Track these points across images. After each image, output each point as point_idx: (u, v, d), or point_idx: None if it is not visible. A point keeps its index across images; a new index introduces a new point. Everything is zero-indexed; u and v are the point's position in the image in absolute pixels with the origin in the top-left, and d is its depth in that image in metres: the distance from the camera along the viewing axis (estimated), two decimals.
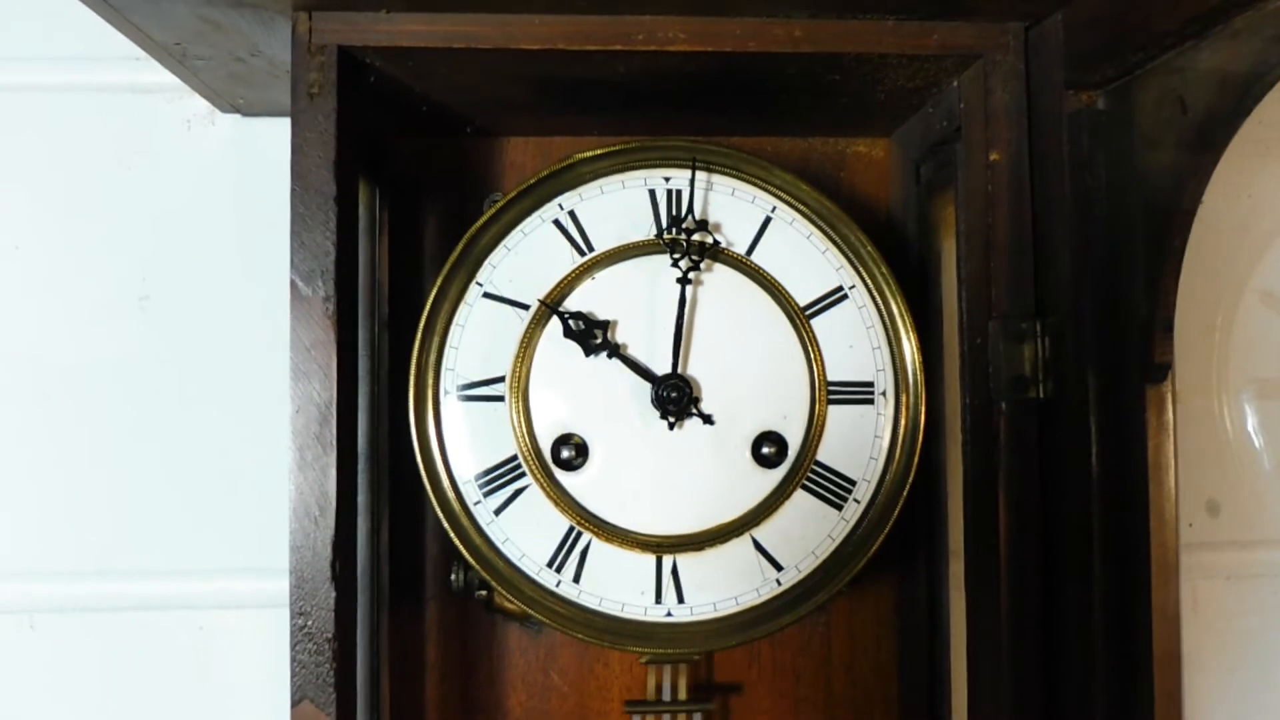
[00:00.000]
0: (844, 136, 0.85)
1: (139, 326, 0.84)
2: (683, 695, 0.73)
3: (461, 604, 0.80)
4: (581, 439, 0.68)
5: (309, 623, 0.61)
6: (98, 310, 0.83)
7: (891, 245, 0.81)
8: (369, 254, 0.78)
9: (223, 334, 0.84)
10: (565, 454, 0.68)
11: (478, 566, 0.67)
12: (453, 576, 0.73)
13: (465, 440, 0.69)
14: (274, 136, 0.83)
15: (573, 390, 0.69)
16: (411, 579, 0.81)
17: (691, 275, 0.69)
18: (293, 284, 0.62)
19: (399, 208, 0.82)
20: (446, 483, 0.68)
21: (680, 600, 0.68)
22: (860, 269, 0.72)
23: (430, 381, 0.68)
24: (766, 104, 0.77)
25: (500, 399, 0.69)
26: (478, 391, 0.69)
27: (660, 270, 0.69)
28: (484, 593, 0.70)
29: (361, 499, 0.74)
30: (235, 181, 0.85)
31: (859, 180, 0.85)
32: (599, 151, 0.69)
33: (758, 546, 0.69)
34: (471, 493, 0.68)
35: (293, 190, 0.63)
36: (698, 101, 0.76)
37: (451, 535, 0.67)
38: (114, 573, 0.83)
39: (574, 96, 0.74)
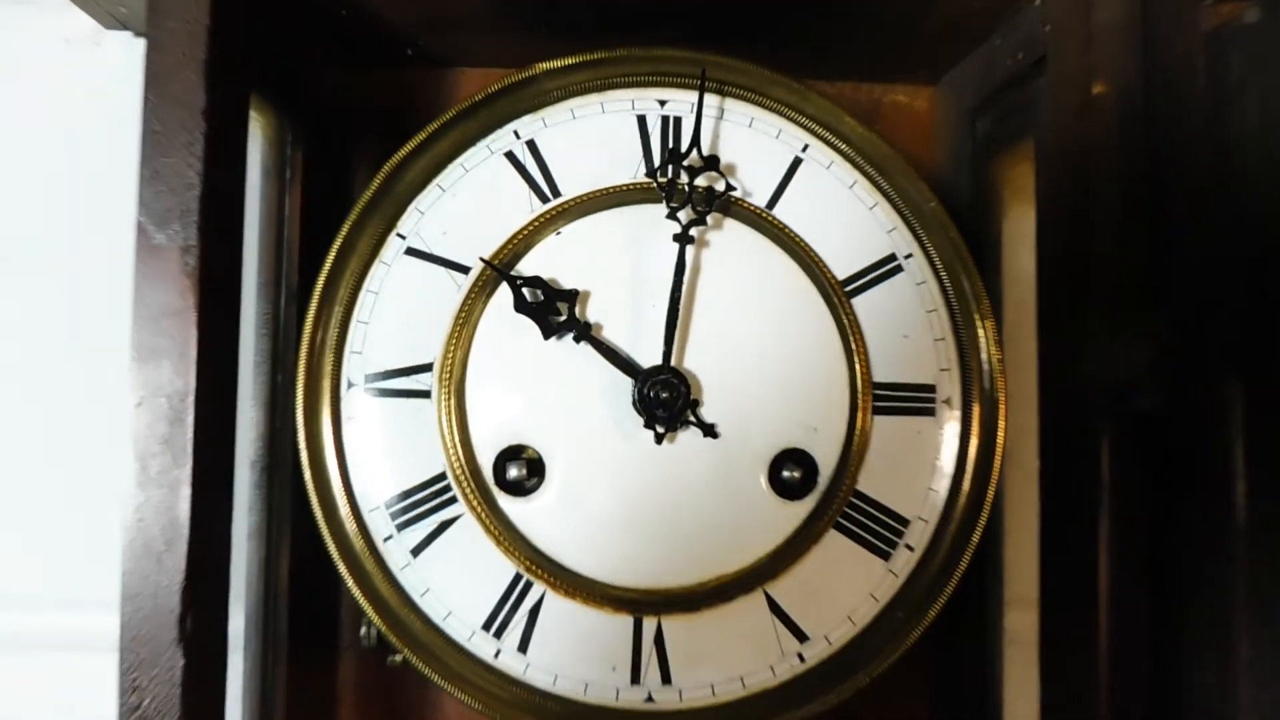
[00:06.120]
0: (880, 82, 0.79)
1: None
2: None
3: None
4: (535, 453, 0.60)
5: (144, 701, 0.50)
6: None
7: None
8: (274, 206, 0.71)
9: (102, 298, 0.73)
10: (513, 473, 0.59)
11: (384, 627, 0.57)
12: (363, 630, 0.62)
13: (375, 451, 0.59)
14: None
15: (526, 386, 0.61)
16: (320, 624, 0.72)
17: (694, 232, 0.60)
18: (139, 228, 0.53)
19: (317, 150, 0.73)
20: (345, 510, 0.58)
21: (666, 680, 0.59)
22: (920, 232, 0.63)
23: (328, 369, 0.59)
24: (789, 35, 0.70)
25: (426, 395, 0.60)
26: (395, 384, 0.60)
27: (651, 224, 0.61)
28: (399, 658, 0.58)
29: (253, 521, 0.67)
30: (121, 110, 0.75)
31: (896, 135, 0.78)
32: (571, 61, 0.60)
33: (774, 607, 0.60)
34: (381, 524, 0.58)
35: (145, 100, 0.54)
36: (703, 28, 0.68)
37: (350, 583, 0.57)
38: None
39: (545, 13, 0.67)
